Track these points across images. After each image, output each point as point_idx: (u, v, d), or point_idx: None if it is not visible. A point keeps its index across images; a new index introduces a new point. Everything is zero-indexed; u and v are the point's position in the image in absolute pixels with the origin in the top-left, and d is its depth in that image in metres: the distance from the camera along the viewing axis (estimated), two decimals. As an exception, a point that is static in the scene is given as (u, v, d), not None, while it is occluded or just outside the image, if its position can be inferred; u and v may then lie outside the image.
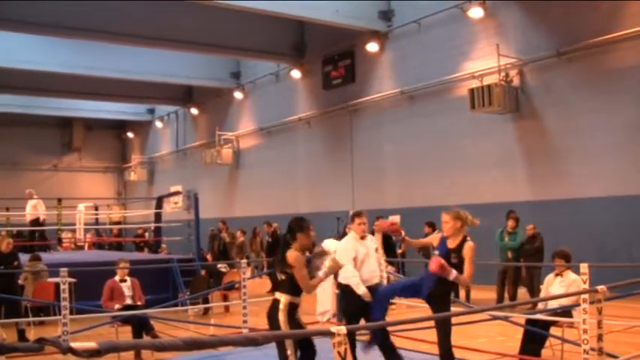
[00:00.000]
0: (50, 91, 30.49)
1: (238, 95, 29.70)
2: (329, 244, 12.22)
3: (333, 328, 3.68)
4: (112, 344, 2.98)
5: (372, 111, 22.76)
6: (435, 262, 6.62)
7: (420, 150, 20.65)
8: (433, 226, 15.85)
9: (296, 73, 25.66)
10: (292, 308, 6.46)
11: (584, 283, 8.19)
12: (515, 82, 17.80)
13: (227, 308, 14.53)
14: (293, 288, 6.41)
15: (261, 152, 28.56)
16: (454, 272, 6.72)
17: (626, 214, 15.44)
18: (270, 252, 19.55)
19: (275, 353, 9.72)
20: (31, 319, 12.04)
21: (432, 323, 9.03)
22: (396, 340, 9.72)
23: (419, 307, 12.71)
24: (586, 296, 7.47)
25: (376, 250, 8.22)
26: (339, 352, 3.64)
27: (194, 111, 33.70)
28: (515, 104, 17.73)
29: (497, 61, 17.60)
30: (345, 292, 8.14)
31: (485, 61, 18.31)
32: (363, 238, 8.21)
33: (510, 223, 14.58)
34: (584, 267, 8.21)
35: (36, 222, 19.23)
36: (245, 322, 11.01)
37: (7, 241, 12.68)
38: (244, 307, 11.14)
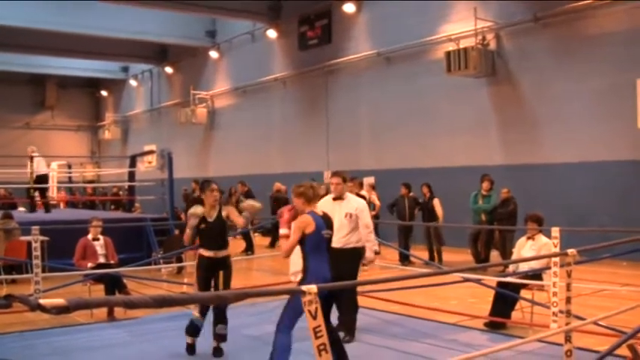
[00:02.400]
0: (22, 47, 29.97)
1: (213, 54, 29.47)
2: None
3: (304, 287, 3.69)
4: (81, 301, 2.96)
5: (348, 72, 22.68)
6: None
7: (396, 112, 20.65)
8: (409, 187, 15.92)
9: (272, 33, 25.47)
10: (201, 260, 7.44)
11: (555, 246, 8.28)
12: (492, 45, 17.78)
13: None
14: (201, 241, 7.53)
15: (236, 112, 28.43)
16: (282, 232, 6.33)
17: (597, 179, 15.59)
18: None
19: (245, 312, 9.80)
20: (3, 276, 11.96)
21: (403, 284, 9.13)
22: (367, 301, 9.81)
23: (391, 269, 12.83)
24: (556, 259, 7.56)
25: (348, 215, 7.96)
26: (309, 311, 3.65)
27: (169, 70, 33.42)
28: (492, 68, 17.74)
29: (475, 24, 17.54)
30: None
31: (463, 24, 18.26)
32: (337, 199, 8.10)
33: (485, 185, 14.66)
34: (555, 231, 8.29)
35: (43, 178, 18.68)
36: (218, 281, 11.01)
37: None
38: (217, 267, 11.13)
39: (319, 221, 6.21)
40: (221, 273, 7.39)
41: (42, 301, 2.80)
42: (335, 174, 8.23)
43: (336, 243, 7.66)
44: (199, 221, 7.38)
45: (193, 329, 7.41)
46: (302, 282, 6.11)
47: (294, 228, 6.14)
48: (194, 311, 7.41)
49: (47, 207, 17.97)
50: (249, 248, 18.52)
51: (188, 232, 7.49)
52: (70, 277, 10.78)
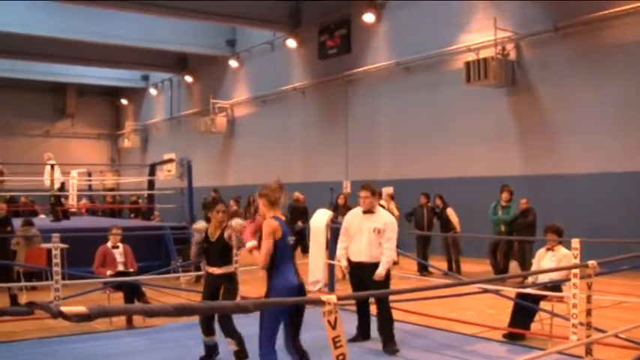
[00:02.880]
0: (43, 55, 30.22)
1: (233, 63, 29.57)
2: (322, 213, 12.30)
3: (324, 297, 3.69)
4: (102, 309, 2.98)
5: (367, 82, 22.69)
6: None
7: (415, 122, 20.62)
8: (428, 197, 15.90)
9: (291, 42, 25.53)
10: (206, 275, 7.70)
11: (575, 258, 8.22)
12: (512, 55, 17.74)
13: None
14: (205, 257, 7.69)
15: (256, 121, 28.49)
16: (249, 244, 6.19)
17: (617, 191, 15.48)
18: None
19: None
20: (23, 284, 12.03)
21: (421, 294, 9.11)
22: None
23: (409, 279, 12.78)
24: (576, 271, 7.51)
25: (376, 230, 7.88)
26: (329, 321, 3.65)
27: (188, 79, 33.56)
28: (511, 78, 17.68)
29: (494, 34, 17.51)
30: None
31: (482, 34, 18.23)
32: (367, 213, 8.06)
33: (504, 196, 14.62)
34: (575, 242, 8.23)
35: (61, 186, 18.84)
36: (236, 290, 11.02)
37: (0, 206, 12.65)
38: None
39: (284, 227, 6.06)
40: (222, 287, 7.43)
41: (63, 309, 2.82)
42: (363, 187, 8.09)
43: (365, 257, 7.89)
44: (202, 239, 7.55)
45: (209, 350, 7.54)
46: (270, 290, 5.99)
47: (265, 233, 5.96)
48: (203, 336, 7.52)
49: (66, 214, 18.07)
50: None
51: (193, 247, 7.73)
52: (89, 285, 10.83)
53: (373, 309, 8.22)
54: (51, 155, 17.96)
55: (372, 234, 7.89)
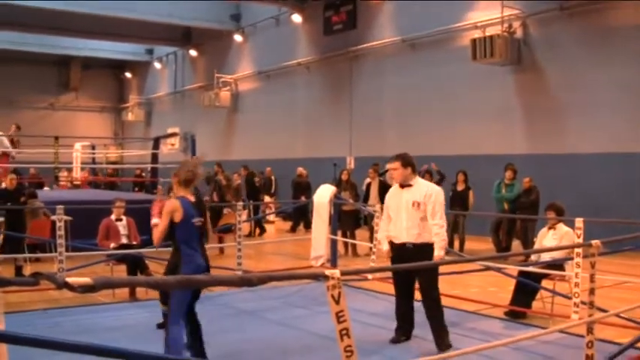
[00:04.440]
0: (48, 28, 30.19)
1: (238, 38, 29.48)
2: (325, 189, 12.29)
3: (328, 272, 3.70)
4: (106, 280, 2.99)
5: (373, 58, 22.61)
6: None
7: (420, 99, 20.56)
8: (431, 174, 15.85)
9: (297, 18, 25.43)
10: None
11: (579, 237, 8.24)
12: (518, 34, 17.64)
13: (222, 250, 14.60)
14: None
15: (260, 96, 28.44)
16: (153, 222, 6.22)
17: (621, 171, 15.47)
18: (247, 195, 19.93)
19: (269, 295, 9.86)
20: (27, 255, 12.07)
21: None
22: (389, 288, 9.82)
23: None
24: (579, 250, 7.52)
25: (416, 204, 6.91)
26: (332, 296, 3.66)
27: (193, 53, 33.47)
28: (517, 56, 17.61)
29: (501, 11, 17.42)
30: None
31: (489, 12, 18.13)
32: (405, 186, 7.11)
33: (508, 174, 14.61)
34: (579, 222, 8.24)
35: None
36: (239, 264, 11.08)
37: (11, 177, 12.66)
38: (239, 250, 11.20)
39: (188, 208, 5.90)
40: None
41: (68, 280, 2.83)
42: (393, 158, 7.13)
43: (407, 237, 6.94)
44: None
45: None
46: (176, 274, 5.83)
47: (163, 213, 5.92)
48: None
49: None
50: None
51: None
52: (92, 257, 10.87)
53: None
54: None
55: (411, 209, 6.92)
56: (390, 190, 7.35)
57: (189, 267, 5.80)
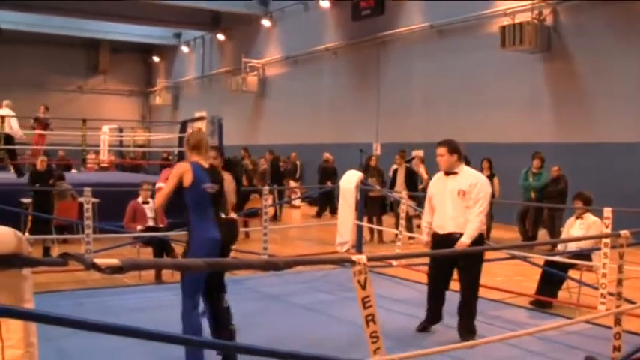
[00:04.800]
0: (77, 11, 30.36)
1: (266, 23, 29.45)
2: (352, 174, 12.28)
3: (355, 257, 3.69)
4: (134, 262, 3.01)
5: (401, 44, 22.50)
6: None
7: (448, 86, 20.43)
8: (469, 163, 15.67)
9: (325, 3, 25.35)
10: None
11: (607, 227, 8.17)
12: (548, 21, 17.43)
13: (247, 234, 14.65)
14: None
15: (287, 81, 28.43)
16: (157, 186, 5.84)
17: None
18: (271, 180, 19.92)
19: (294, 280, 9.89)
20: (55, 236, 12.18)
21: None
22: (415, 275, 9.82)
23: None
24: (607, 240, 7.45)
25: (461, 192, 6.72)
26: (359, 281, 3.66)
27: (221, 37, 33.49)
28: (547, 44, 17.40)
29: (531, -2, 17.25)
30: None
31: (519, -1, 17.95)
32: (450, 174, 6.91)
33: (536, 163, 14.50)
34: (607, 211, 8.18)
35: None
36: (265, 248, 11.12)
37: (42, 159, 12.77)
38: (265, 234, 11.23)
39: (199, 173, 5.57)
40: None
41: (97, 261, 2.85)
42: (440, 143, 6.88)
43: (452, 227, 6.76)
44: None
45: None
46: (187, 248, 5.63)
47: (171, 175, 5.62)
48: None
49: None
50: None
51: None
52: (119, 239, 10.95)
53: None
54: (9, 103, 17.16)
55: (456, 198, 6.72)
56: (435, 177, 7.14)
57: (197, 239, 5.54)
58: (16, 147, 17.21)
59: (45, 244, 11.62)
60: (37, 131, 18.31)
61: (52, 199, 12.34)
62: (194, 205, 5.56)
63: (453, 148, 6.82)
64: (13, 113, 16.63)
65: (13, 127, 16.53)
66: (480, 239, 6.80)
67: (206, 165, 5.66)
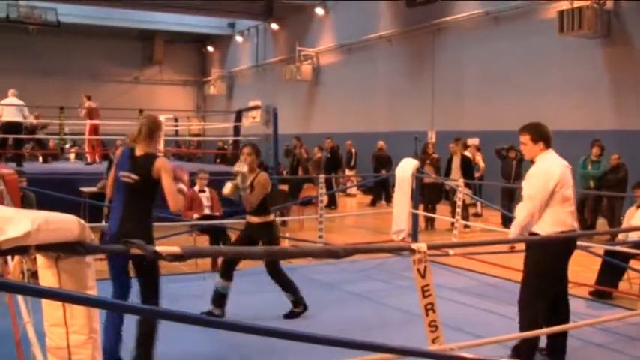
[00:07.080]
0: (132, 3, 30.81)
1: (319, 11, 29.42)
2: (408, 162, 12.20)
3: (415, 245, 3.67)
4: (195, 249, 3.03)
5: (455, 31, 22.26)
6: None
7: (503, 73, 20.15)
8: (517, 151, 15.54)
9: (379, -10, 25.23)
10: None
11: (669, 216, 7.98)
12: (609, 5, 17.04)
13: (302, 223, 14.68)
14: None
15: (341, 69, 28.37)
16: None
17: None
18: (328, 168, 19.87)
19: (349, 268, 9.88)
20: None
21: (504, 247, 9.02)
22: (470, 263, 9.75)
23: (493, 231, 12.63)
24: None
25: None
26: (418, 270, 3.63)
27: (274, 26, 33.58)
28: (607, 29, 17.02)
29: (591, -18, 16.89)
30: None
31: (578, -17, 17.60)
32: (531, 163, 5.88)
33: (595, 151, 14.24)
34: (669, 200, 7.99)
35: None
36: (321, 237, 11.13)
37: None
38: (320, 223, 11.24)
39: (122, 158, 5.30)
40: (260, 240, 6.77)
41: (158, 248, 2.88)
42: (521, 129, 5.82)
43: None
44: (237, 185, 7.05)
45: (219, 297, 7.04)
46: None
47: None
48: (218, 278, 7.06)
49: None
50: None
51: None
52: (175, 228, 11.05)
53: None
54: (15, 92, 16.96)
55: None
56: (551, 162, 5.85)
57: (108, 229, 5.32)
58: (23, 137, 17.43)
59: (103, 229, 11.78)
60: (88, 121, 18.59)
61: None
62: (114, 193, 5.41)
63: (537, 135, 5.73)
64: (22, 102, 16.75)
65: (25, 115, 16.80)
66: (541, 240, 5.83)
67: (140, 152, 5.29)
